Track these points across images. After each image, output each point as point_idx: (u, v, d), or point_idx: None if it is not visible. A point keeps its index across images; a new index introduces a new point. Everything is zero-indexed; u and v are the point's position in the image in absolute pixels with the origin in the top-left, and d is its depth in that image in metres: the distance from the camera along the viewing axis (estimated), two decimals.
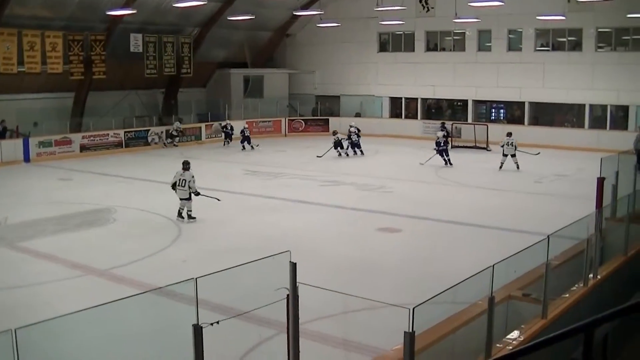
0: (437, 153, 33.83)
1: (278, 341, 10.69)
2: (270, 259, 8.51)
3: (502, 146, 32.35)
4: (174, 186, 22.15)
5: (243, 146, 40.40)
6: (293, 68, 52.09)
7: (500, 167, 31.86)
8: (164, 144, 42.23)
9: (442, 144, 34.33)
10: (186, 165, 22.29)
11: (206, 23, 45.36)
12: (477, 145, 39.52)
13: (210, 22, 45.27)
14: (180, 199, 22.04)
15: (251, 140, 40.93)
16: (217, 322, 7.47)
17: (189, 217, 21.97)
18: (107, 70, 40.57)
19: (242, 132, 40.98)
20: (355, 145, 37.31)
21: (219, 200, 23.26)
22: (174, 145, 42.05)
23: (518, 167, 31.89)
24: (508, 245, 14.45)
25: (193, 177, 22.08)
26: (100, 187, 28.75)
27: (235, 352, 11.37)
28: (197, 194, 22.15)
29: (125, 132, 41.05)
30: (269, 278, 8.93)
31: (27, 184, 29.71)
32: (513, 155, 31.90)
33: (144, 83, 44.34)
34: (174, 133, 42.50)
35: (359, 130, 37.80)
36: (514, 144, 31.86)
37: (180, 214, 22.10)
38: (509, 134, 32.77)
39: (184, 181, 21.89)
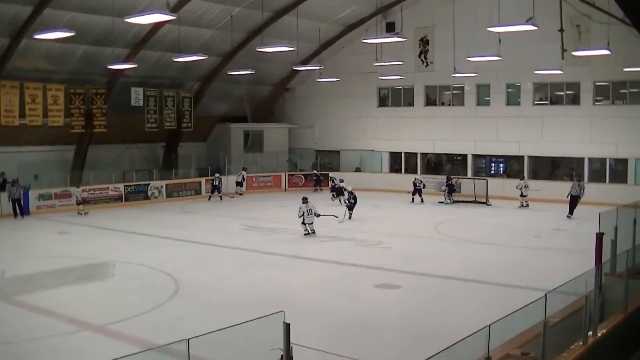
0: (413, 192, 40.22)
1: None
2: (265, 319, 8.47)
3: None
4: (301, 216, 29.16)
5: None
6: (293, 122, 52.34)
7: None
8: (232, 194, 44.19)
9: (417, 185, 40.88)
10: (306, 200, 29.54)
11: (206, 77, 45.69)
12: (477, 199, 39.51)
13: (210, 77, 45.60)
14: (308, 224, 29.24)
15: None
16: None
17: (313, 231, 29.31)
18: (108, 124, 40.77)
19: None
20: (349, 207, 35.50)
21: (336, 217, 31.87)
22: (239, 194, 44.76)
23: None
24: (507, 302, 14.42)
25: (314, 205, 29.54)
26: (99, 241, 28.71)
27: None
28: (318, 215, 29.42)
29: (125, 185, 41.08)
30: (264, 337, 8.88)
31: (26, 237, 29.72)
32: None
33: (144, 137, 44.52)
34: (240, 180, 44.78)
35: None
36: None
37: (308, 232, 29.26)
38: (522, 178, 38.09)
39: (309, 210, 29.05)
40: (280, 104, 53.41)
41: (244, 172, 45.06)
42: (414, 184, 41.14)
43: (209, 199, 42.85)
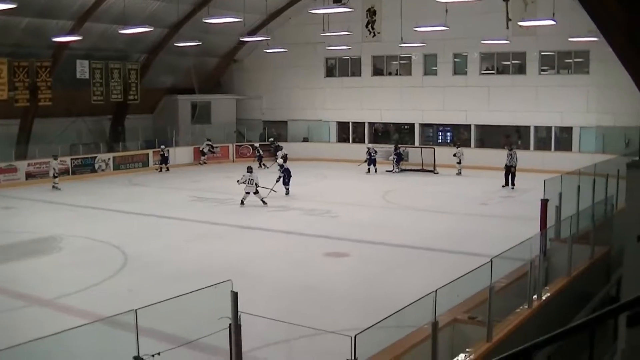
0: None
1: None
2: (213, 288, 8.49)
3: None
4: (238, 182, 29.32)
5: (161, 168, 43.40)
6: (240, 94, 52.15)
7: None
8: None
9: (372, 155, 40.61)
10: (250, 170, 29.54)
11: (153, 49, 45.28)
12: (424, 168, 39.77)
13: (157, 49, 45.20)
14: (247, 192, 28.96)
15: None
16: (159, 354, 7.45)
17: (263, 202, 29.00)
18: (53, 97, 40.26)
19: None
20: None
21: (275, 191, 30.88)
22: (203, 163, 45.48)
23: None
24: (454, 268, 14.54)
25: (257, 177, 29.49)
26: (45, 215, 28.48)
27: None
28: (257, 186, 29.16)
29: (71, 159, 40.68)
30: (212, 307, 8.90)
31: None
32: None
33: (90, 110, 44.06)
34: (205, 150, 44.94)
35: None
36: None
37: (242, 202, 28.97)
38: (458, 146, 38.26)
39: (251, 180, 28.77)
40: (227, 76, 53.14)
41: (209, 142, 46.04)
42: (369, 154, 40.99)
43: (160, 171, 42.77)
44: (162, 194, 33.95)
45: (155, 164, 43.40)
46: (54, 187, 35.43)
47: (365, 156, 40.82)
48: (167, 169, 43.07)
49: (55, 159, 36.52)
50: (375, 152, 40.88)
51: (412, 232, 23.74)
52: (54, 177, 35.88)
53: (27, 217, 28.02)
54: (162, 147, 43.45)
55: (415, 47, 41.02)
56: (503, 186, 33.65)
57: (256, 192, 28.96)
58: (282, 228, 24.73)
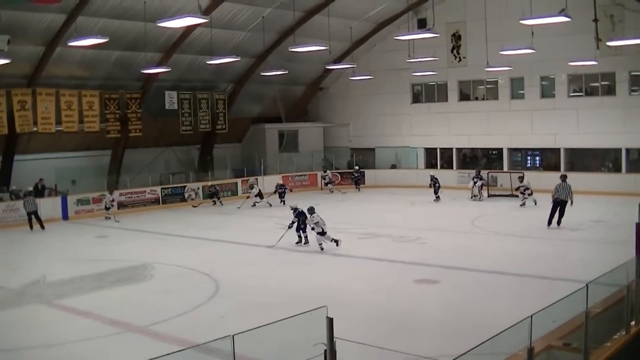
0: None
1: None
2: (307, 314, 8.48)
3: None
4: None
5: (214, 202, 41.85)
6: (327, 121, 52.37)
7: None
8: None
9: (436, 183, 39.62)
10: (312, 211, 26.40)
11: (240, 79, 45.84)
12: (514, 193, 39.23)
13: (243, 78, 45.74)
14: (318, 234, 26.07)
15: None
16: None
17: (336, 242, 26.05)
18: (143, 128, 41.04)
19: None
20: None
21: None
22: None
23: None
24: (547, 294, 14.32)
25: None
26: (137, 243, 28.92)
27: None
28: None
29: (162, 188, 41.31)
30: (306, 333, 8.89)
31: (65, 241, 29.97)
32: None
33: (179, 139, 44.77)
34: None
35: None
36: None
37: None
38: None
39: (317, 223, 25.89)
40: (314, 103, 53.46)
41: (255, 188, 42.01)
42: (433, 181, 39.81)
43: (214, 204, 41.69)
44: (250, 222, 34.13)
45: (244, 192, 43.56)
46: (106, 218, 36.23)
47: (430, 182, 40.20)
48: (221, 203, 41.92)
49: (111, 193, 37.02)
50: (436, 179, 40.00)
51: (503, 258, 23.38)
52: (106, 209, 36.38)
53: (119, 246, 28.48)
54: (211, 185, 42.84)
55: (502, 70, 40.65)
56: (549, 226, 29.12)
57: (323, 233, 25.94)
58: (372, 255, 24.61)
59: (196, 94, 44.15)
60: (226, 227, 32.71)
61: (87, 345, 15.66)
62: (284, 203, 36.63)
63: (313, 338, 8.47)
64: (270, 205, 38.94)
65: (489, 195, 39.72)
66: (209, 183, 42.72)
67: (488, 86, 45.80)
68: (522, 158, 45.48)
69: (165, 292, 20.48)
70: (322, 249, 25.62)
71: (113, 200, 36.86)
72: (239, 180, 44.94)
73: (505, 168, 44.18)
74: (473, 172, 41.59)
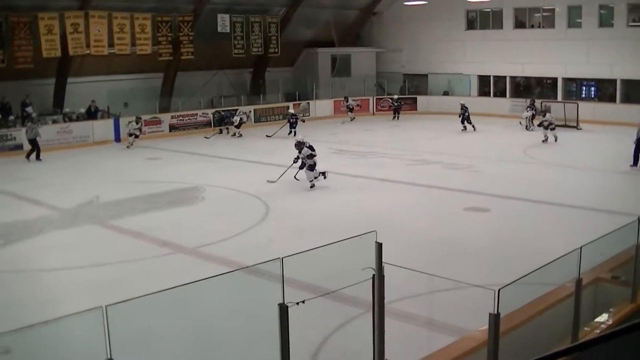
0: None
1: (363, 320, 10.68)
2: (357, 239, 8.46)
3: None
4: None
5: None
6: (380, 46, 51.82)
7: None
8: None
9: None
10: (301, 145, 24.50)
11: (293, 3, 45.40)
12: (567, 124, 38.65)
13: (296, 2, 45.31)
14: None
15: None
16: (303, 302, 7.46)
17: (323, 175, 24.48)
18: (195, 51, 40.95)
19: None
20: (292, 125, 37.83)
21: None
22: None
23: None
24: (597, 227, 14.19)
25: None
26: (188, 166, 29.10)
27: (321, 331, 11.38)
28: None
29: (213, 111, 41.38)
30: (355, 257, 8.89)
31: (118, 163, 30.26)
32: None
33: (231, 63, 44.64)
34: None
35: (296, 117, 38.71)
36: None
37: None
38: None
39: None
40: (367, 28, 52.88)
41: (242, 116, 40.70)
42: (463, 110, 38.77)
43: (221, 132, 39.56)
44: None
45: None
46: (128, 146, 34.69)
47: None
48: (228, 131, 39.53)
49: (137, 122, 35.49)
50: (466, 108, 38.85)
51: (555, 189, 23.15)
52: (130, 135, 35.00)
53: (171, 168, 28.68)
54: (215, 111, 41.19)
55: None
56: (631, 166, 27.06)
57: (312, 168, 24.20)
58: (423, 181, 24.53)
59: (249, 17, 43.89)
60: (279, 151, 32.67)
61: (140, 264, 15.93)
62: (295, 134, 34.79)
63: (361, 263, 8.45)
64: (241, 136, 38.24)
65: (539, 125, 39.11)
66: (214, 110, 41.49)
67: (544, 14, 44.87)
68: (576, 88, 44.71)
69: (216, 214, 20.66)
70: (312, 185, 23.84)
71: (139, 129, 35.51)
72: (290, 104, 44.78)
73: (560, 98, 43.47)
74: (526, 102, 41.04)
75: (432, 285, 12.52)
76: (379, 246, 8.13)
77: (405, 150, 29.43)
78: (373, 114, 47.15)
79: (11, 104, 35.52)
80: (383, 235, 8.44)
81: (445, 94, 48.11)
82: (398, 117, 44.72)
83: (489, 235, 17.93)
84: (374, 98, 48.32)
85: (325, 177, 24.27)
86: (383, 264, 8.17)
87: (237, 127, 38.42)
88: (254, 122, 42.55)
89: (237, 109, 40.20)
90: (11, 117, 34.77)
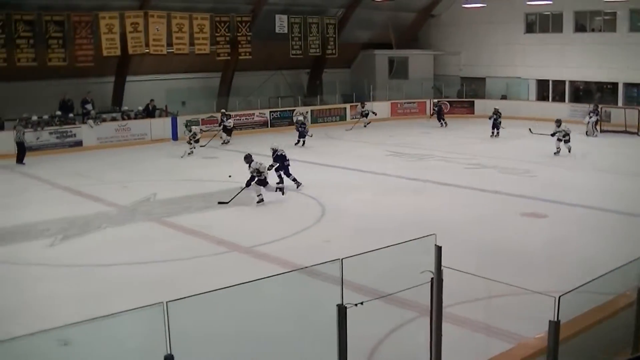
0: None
1: (419, 324, 10.63)
2: (414, 241, 8.42)
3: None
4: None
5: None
6: (438, 49, 51.59)
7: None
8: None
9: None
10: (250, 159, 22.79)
11: (351, 4, 45.47)
12: (628, 130, 38.11)
13: (354, 3, 45.36)
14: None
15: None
16: (362, 303, 7.45)
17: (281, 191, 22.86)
18: (253, 51, 41.19)
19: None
20: (301, 135, 34.86)
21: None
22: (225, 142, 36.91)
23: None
24: None
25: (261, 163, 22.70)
26: (244, 165, 29.10)
27: (377, 332, 11.33)
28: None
29: (270, 111, 41.57)
30: (412, 260, 8.84)
31: (175, 161, 30.48)
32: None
33: (289, 63, 44.81)
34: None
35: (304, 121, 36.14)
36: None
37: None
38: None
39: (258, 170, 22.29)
40: (425, 31, 52.70)
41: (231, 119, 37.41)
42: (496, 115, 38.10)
43: (221, 139, 36.38)
44: (358, 148, 34.10)
45: (355, 118, 43.26)
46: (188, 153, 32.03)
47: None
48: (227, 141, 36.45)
49: (189, 132, 32.85)
50: (500, 113, 37.90)
51: (612, 196, 22.77)
52: (190, 142, 32.35)
53: (226, 167, 28.72)
54: (223, 111, 38.10)
55: (620, 1, 39.28)
56: None
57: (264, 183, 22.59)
58: (479, 185, 24.33)
59: (306, 18, 43.98)
60: (334, 152, 32.74)
61: (195, 262, 16.01)
62: (303, 144, 34.16)
63: (418, 265, 8.42)
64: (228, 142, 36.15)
65: (602, 131, 38.57)
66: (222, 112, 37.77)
67: (605, 17, 44.28)
68: (638, 94, 44.01)
69: (272, 214, 20.77)
70: (259, 201, 22.14)
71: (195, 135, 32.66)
72: (347, 106, 44.83)
73: (620, 103, 42.87)
74: (587, 107, 40.53)
75: (489, 290, 12.41)
76: (439, 249, 8.08)
77: (462, 154, 29.23)
78: (430, 116, 46.93)
79: (72, 102, 36.01)
80: (439, 238, 8.39)
81: (503, 97, 47.66)
82: (445, 122, 42.76)
83: (545, 241, 17.71)
84: (431, 101, 48.04)
85: (283, 194, 22.83)
86: (442, 267, 8.12)
87: (228, 131, 36.03)
88: (311, 122, 42.54)
89: (229, 114, 37.56)
90: (70, 115, 35.31)
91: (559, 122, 31.21)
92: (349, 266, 7.53)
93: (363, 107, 43.08)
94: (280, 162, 24.37)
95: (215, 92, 42.19)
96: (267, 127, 41.05)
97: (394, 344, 11.38)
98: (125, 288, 14.16)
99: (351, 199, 22.54)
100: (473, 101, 47.47)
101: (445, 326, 8.74)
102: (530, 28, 47.64)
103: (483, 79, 49.34)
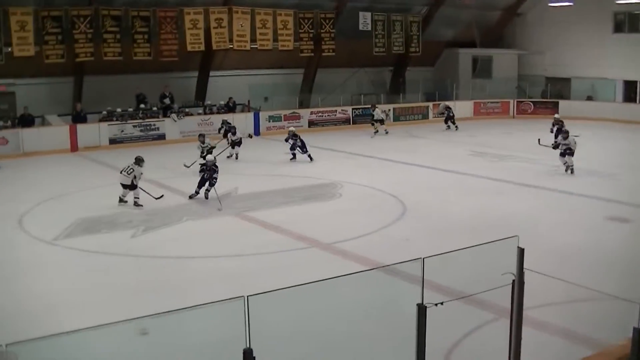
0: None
1: (497, 326, 10.51)
2: (497, 243, 8.33)
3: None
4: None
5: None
6: (522, 48, 50.94)
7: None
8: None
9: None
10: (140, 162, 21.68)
11: (435, 2, 45.17)
12: None
13: (439, 1, 45.05)
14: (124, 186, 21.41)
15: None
16: (442, 303, 7.41)
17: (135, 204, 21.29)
18: (336, 48, 41.26)
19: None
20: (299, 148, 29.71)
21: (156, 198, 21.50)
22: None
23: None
24: None
25: (142, 173, 21.61)
26: (326, 162, 29.28)
27: (454, 333, 11.25)
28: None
29: (352, 108, 41.57)
30: (492, 262, 8.76)
31: (258, 155, 30.71)
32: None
33: (371, 61, 44.71)
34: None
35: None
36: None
37: (121, 200, 21.48)
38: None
39: (131, 170, 21.27)
40: (509, 30, 52.11)
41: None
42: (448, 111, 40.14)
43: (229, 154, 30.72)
44: (440, 147, 33.91)
45: (438, 116, 42.87)
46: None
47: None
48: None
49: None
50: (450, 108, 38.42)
51: None
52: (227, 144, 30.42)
53: (309, 163, 28.87)
54: (225, 120, 33.66)
55: None
56: None
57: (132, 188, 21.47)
58: (562, 188, 23.98)
59: (390, 16, 43.87)
60: (416, 151, 32.59)
61: (274, 257, 16.10)
62: (294, 157, 29.86)
63: (498, 267, 8.34)
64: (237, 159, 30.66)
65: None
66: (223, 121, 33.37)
67: None
68: None
69: (352, 211, 20.74)
70: (138, 205, 21.16)
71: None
72: (430, 104, 44.62)
73: None
74: None
75: (571, 294, 12.22)
76: (521, 251, 7.99)
77: (545, 155, 28.75)
78: (513, 117, 46.43)
79: (145, 96, 36.76)
80: (519, 240, 8.29)
81: (589, 98, 46.87)
82: (455, 126, 40.28)
83: (629, 246, 17.38)
84: (515, 101, 47.50)
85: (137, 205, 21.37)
86: (524, 269, 8.03)
87: (235, 145, 30.73)
88: (393, 120, 42.49)
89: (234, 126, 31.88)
90: (142, 106, 36.30)
91: (566, 134, 27.00)
92: (429, 265, 7.50)
93: (373, 110, 39.41)
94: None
95: (298, 89, 42.40)
96: (349, 124, 41.07)
97: (471, 345, 11.28)
98: (205, 281, 14.32)
99: (431, 197, 22.44)
100: (558, 102, 46.67)
101: (524, 329, 8.64)
102: (619, 27, 46.65)
103: (568, 80, 48.50)
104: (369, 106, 40.83)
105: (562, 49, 48.23)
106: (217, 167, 22.31)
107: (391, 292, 9.53)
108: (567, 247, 16.84)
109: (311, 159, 29.14)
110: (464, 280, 9.58)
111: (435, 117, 43.53)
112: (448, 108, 40.46)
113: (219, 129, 32.82)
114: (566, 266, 14.82)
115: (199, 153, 26.66)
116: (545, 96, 47.61)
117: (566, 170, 26.47)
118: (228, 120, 33.14)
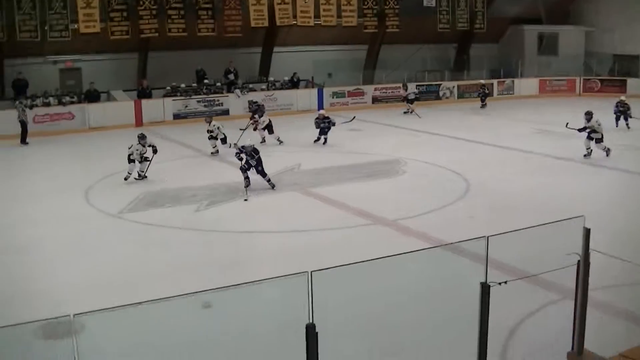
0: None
1: (560, 306, 10.44)
2: (563, 222, 8.28)
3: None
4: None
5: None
6: (590, 25, 50.08)
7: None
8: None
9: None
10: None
11: None
12: None
13: None
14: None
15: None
16: (505, 282, 7.41)
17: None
18: (400, 24, 41.07)
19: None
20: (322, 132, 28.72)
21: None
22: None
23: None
24: None
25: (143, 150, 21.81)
26: (390, 139, 29.26)
27: (518, 312, 11.20)
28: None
29: (416, 85, 41.37)
30: (557, 241, 8.69)
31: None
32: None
33: (436, 37, 44.44)
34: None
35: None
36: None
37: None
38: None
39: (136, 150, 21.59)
40: (576, 6, 51.25)
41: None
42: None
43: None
44: (504, 125, 33.60)
45: (500, 94, 42.48)
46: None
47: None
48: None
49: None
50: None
51: None
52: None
53: (372, 140, 28.92)
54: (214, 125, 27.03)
55: None
56: None
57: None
58: (627, 167, 23.55)
59: None
60: (480, 128, 32.37)
61: (338, 233, 16.16)
62: (325, 141, 28.55)
63: (563, 247, 8.29)
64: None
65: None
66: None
67: None
68: None
69: (416, 188, 20.71)
70: (142, 177, 21.74)
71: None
72: (494, 82, 44.24)
73: None
74: None
75: (634, 276, 12.08)
76: (587, 232, 7.93)
77: (610, 134, 28.35)
78: (579, 94, 45.81)
79: (205, 72, 37.09)
80: (587, 220, 8.23)
81: None
82: (484, 105, 40.27)
83: None
84: (581, 79, 46.82)
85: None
86: (590, 250, 7.98)
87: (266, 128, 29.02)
88: (457, 98, 42.27)
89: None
90: (206, 81, 36.69)
91: (589, 115, 25.29)
92: (492, 244, 7.48)
93: (406, 90, 38.72)
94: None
95: (362, 65, 42.36)
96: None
97: (535, 324, 11.22)
98: (268, 256, 14.45)
99: (495, 175, 22.25)
100: (626, 80, 45.88)
101: (588, 310, 8.59)
102: None
103: (637, 57, 47.69)
104: (436, 83, 40.69)
105: (632, 26, 47.31)
106: (257, 151, 20.49)
107: (454, 270, 9.54)
108: (631, 228, 16.61)
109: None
110: (528, 260, 9.54)
111: (500, 94, 43.16)
112: (483, 86, 40.54)
113: (249, 109, 31.10)
114: (631, 248, 14.64)
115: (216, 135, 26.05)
116: (613, 74, 46.82)
117: (585, 156, 24.90)
118: (255, 100, 31.99)
